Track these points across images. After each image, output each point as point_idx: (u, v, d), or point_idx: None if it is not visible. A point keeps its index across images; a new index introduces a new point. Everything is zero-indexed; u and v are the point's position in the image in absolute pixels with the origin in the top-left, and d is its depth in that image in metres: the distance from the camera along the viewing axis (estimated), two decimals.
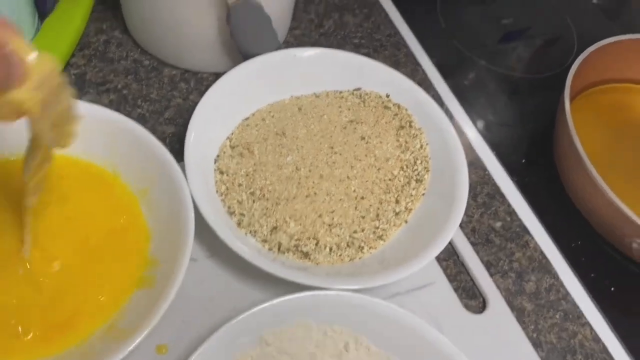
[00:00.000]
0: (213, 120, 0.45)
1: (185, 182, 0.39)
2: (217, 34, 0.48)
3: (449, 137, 0.47)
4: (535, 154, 0.55)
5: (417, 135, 0.48)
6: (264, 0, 0.47)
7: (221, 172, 0.43)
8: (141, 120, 0.48)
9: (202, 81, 0.52)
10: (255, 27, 0.46)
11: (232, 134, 0.46)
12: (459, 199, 0.43)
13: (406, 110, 0.49)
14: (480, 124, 0.56)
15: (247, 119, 0.47)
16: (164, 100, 0.50)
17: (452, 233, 0.42)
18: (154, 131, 0.47)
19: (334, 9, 0.60)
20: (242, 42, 0.47)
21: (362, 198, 0.44)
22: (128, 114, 0.48)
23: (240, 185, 0.43)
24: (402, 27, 0.61)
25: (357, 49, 0.57)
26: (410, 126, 0.48)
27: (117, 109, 0.48)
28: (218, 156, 0.44)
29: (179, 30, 0.48)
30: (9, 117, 0.25)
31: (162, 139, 0.47)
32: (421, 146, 0.48)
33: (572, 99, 0.57)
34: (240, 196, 0.42)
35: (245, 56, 0.48)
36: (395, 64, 0.57)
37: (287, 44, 0.56)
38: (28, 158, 0.33)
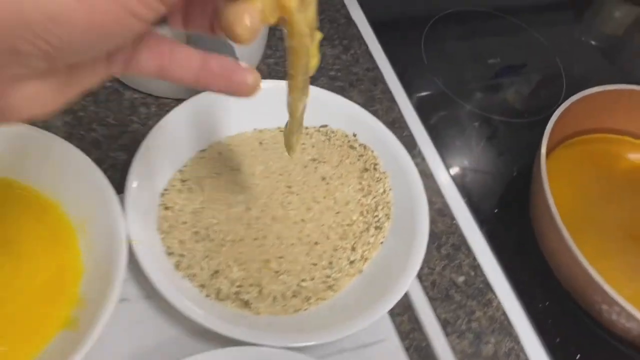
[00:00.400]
0: (165, 150, 0.42)
1: (121, 216, 0.37)
2: None
3: (414, 184, 0.44)
4: (509, 205, 0.52)
5: (381, 179, 0.46)
6: None
7: (166, 208, 0.41)
8: (94, 145, 0.46)
9: (164, 107, 0.50)
10: None
11: (185, 166, 0.44)
12: (417, 251, 0.41)
13: (372, 152, 0.47)
14: (454, 168, 0.53)
15: (203, 150, 0.45)
16: (121, 125, 0.48)
17: (406, 288, 0.39)
18: (106, 157, 0.46)
19: None
20: None
21: (316, 243, 0.42)
22: (82, 138, 0.47)
23: (184, 223, 0.40)
24: (382, 62, 0.59)
25: (332, 81, 0.55)
26: (375, 169, 0.46)
27: (71, 133, 0.47)
28: (166, 190, 0.42)
29: None
30: (271, 15, 0.24)
31: (113, 166, 0.45)
32: (384, 191, 0.45)
33: (552, 149, 0.55)
34: (183, 235, 0.40)
35: None
36: (371, 100, 0.55)
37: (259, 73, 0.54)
38: (291, 81, 0.29)
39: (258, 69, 0.54)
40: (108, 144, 0.47)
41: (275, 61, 0.55)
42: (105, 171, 0.39)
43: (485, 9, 0.70)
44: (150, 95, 0.50)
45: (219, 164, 0.44)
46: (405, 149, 0.46)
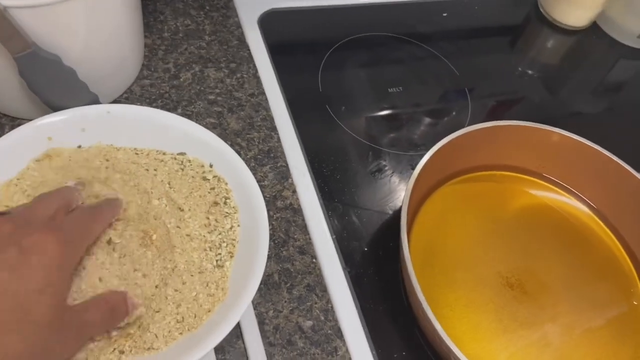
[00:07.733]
0: None
1: None
2: (20, 85, 0.43)
3: (260, 223, 0.41)
4: (382, 245, 0.49)
5: (229, 214, 0.43)
6: (79, 51, 0.43)
7: None
8: None
9: None
10: (54, 79, 0.42)
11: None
12: (246, 294, 0.38)
13: (226, 184, 0.44)
14: (331, 203, 0.51)
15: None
16: None
17: (224, 334, 0.36)
18: None
19: (198, 61, 0.56)
20: (42, 95, 0.42)
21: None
22: None
23: None
24: (272, 87, 0.57)
25: (210, 105, 0.53)
26: (225, 203, 0.44)
27: None
28: None
29: None
30: None
31: None
32: (231, 227, 0.43)
33: (438, 186, 0.53)
34: None
35: (53, 108, 0.43)
36: (249, 127, 0.53)
37: (131, 94, 0.52)
38: None
39: (130, 89, 0.52)
40: None
41: (151, 82, 0.53)
42: None
43: (398, 35, 0.68)
44: (6, 115, 0.48)
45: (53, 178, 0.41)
46: (257, 184, 0.43)
